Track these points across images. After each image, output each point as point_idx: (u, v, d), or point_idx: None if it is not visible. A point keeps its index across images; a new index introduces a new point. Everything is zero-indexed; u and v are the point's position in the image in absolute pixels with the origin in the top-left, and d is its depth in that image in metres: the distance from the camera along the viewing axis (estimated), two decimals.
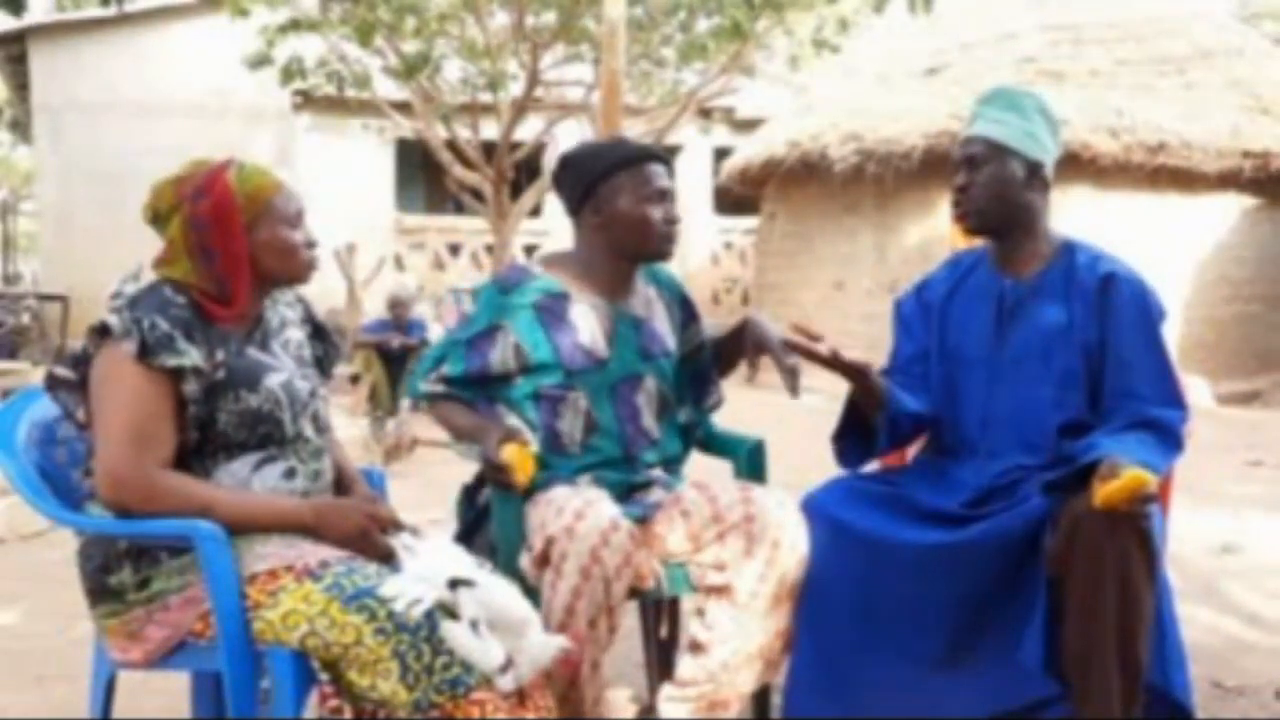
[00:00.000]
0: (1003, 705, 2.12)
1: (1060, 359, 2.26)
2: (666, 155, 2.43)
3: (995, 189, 2.27)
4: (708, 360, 2.53)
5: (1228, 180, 9.79)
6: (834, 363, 2.22)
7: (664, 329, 2.45)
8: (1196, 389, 8.66)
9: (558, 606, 2.02)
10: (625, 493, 2.30)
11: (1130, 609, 1.95)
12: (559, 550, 2.03)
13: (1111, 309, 2.24)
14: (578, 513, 2.06)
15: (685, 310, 2.53)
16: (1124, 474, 1.89)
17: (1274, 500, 5.51)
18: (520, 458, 2.09)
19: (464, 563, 1.85)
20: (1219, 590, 3.82)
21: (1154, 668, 2.01)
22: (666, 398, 2.42)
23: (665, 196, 2.33)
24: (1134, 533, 1.95)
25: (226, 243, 1.92)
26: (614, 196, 2.31)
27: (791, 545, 2.19)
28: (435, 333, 7.96)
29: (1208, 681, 2.86)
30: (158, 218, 1.94)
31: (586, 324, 2.33)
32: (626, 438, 2.34)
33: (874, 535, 2.17)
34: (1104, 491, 1.89)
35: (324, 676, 1.73)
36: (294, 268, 2.00)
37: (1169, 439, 2.15)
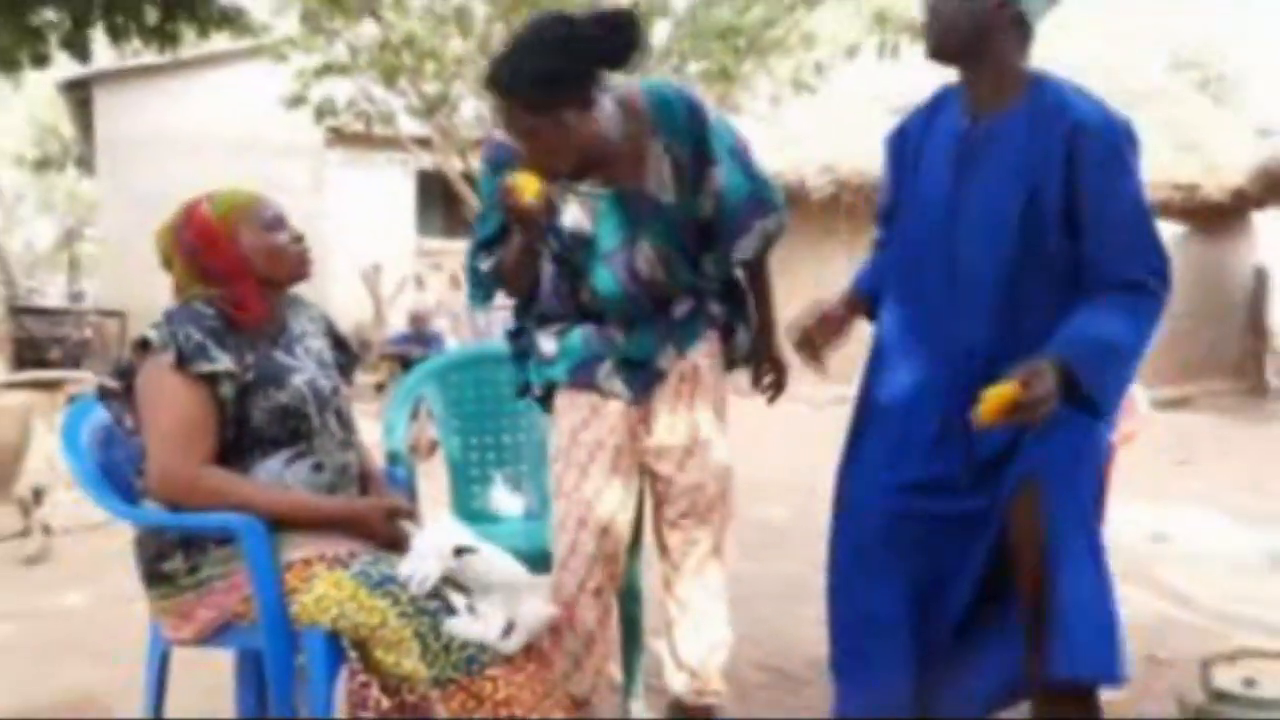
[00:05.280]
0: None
1: (1009, 210, 1.89)
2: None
3: (953, 16, 1.93)
4: (731, 210, 2.35)
5: (1159, 211, 9.81)
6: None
7: (655, 187, 2.17)
8: (1136, 396, 8.65)
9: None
10: (642, 385, 2.22)
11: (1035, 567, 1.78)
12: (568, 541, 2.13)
13: (1079, 169, 1.84)
14: (585, 512, 2.13)
15: (695, 126, 2.19)
16: (989, 394, 1.68)
17: (1200, 495, 5.54)
18: (524, 181, 1.99)
19: (466, 535, 1.86)
20: (1152, 574, 3.84)
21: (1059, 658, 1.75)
22: (668, 255, 2.22)
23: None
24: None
25: (220, 258, 1.91)
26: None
27: (701, 486, 2.23)
28: (452, 345, 7.96)
29: (1142, 655, 2.88)
30: (167, 262, 1.98)
31: (569, 207, 2.17)
32: (629, 295, 2.20)
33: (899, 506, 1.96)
34: (979, 414, 1.69)
35: (353, 654, 1.73)
36: (287, 265, 1.97)
37: (1143, 306, 1.82)
